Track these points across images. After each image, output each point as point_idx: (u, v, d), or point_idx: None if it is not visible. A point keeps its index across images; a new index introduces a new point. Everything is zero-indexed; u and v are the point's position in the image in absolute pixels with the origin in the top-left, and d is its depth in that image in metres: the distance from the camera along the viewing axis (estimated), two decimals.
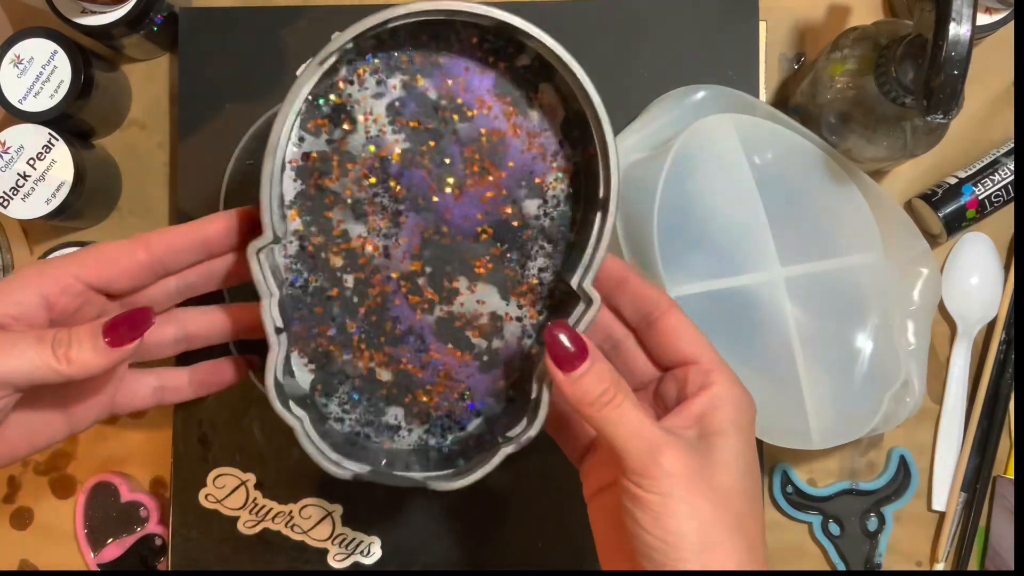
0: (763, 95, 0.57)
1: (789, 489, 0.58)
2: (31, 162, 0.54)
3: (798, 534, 0.58)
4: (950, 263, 0.59)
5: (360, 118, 0.40)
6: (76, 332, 0.35)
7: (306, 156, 0.40)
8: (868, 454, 0.58)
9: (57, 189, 0.55)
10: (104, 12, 0.55)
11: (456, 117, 0.41)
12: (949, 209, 0.56)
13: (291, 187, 0.40)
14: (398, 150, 0.41)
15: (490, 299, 0.42)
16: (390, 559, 0.57)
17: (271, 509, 0.57)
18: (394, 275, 0.41)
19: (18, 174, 0.54)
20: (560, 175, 0.42)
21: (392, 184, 0.41)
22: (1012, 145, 0.57)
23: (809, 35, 0.59)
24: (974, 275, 0.58)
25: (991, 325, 0.58)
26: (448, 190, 0.41)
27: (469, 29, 0.40)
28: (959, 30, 0.41)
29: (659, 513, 0.33)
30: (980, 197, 0.56)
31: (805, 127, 0.55)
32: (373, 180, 0.41)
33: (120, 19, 0.55)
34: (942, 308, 0.58)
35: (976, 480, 0.58)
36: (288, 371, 0.41)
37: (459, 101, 0.41)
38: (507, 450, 0.39)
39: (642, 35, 0.57)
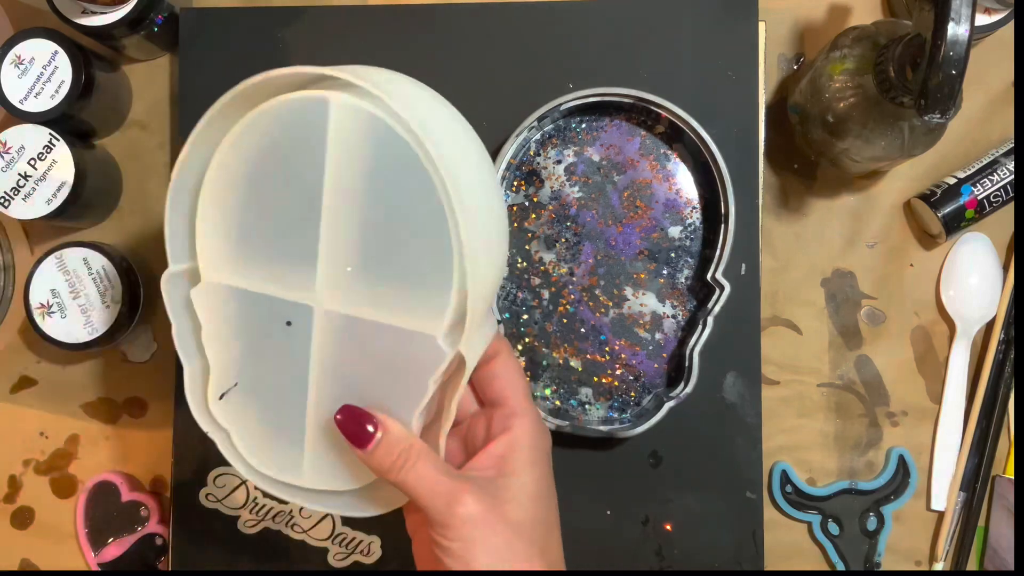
0: (762, 95, 0.57)
1: (788, 489, 0.58)
2: (32, 162, 0.55)
3: (797, 534, 0.59)
4: (949, 263, 0.59)
5: (546, 178, 0.55)
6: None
7: (511, 207, 0.56)
8: (867, 454, 0.59)
9: (58, 189, 0.55)
10: (105, 12, 0.55)
11: (614, 173, 0.55)
12: (948, 209, 0.56)
13: None
14: (574, 198, 0.55)
15: (650, 302, 0.55)
16: (390, 559, 0.57)
17: (271, 508, 0.57)
18: (578, 288, 0.56)
19: (19, 174, 0.55)
20: (694, 207, 0.55)
21: (571, 223, 0.55)
22: (1011, 145, 0.57)
23: (809, 35, 0.59)
24: (973, 275, 0.58)
25: (990, 325, 0.58)
26: (612, 224, 0.55)
27: (618, 107, 0.55)
28: (958, 30, 0.42)
29: (462, 556, 0.37)
30: (979, 197, 0.56)
31: (802, 127, 0.55)
32: (558, 220, 0.56)
33: (121, 19, 0.55)
34: (941, 308, 0.59)
35: (975, 480, 0.58)
36: None
37: (616, 161, 0.56)
38: (670, 404, 0.52)
39: (642, 35, 0.57)
